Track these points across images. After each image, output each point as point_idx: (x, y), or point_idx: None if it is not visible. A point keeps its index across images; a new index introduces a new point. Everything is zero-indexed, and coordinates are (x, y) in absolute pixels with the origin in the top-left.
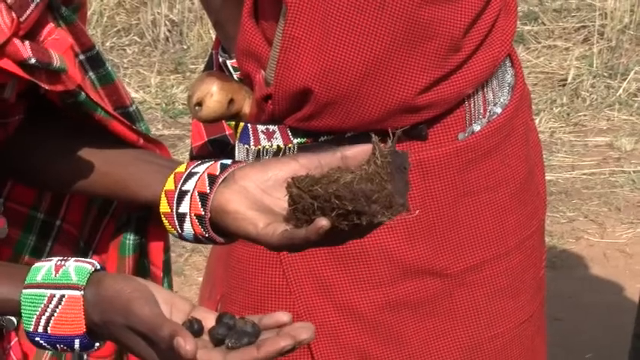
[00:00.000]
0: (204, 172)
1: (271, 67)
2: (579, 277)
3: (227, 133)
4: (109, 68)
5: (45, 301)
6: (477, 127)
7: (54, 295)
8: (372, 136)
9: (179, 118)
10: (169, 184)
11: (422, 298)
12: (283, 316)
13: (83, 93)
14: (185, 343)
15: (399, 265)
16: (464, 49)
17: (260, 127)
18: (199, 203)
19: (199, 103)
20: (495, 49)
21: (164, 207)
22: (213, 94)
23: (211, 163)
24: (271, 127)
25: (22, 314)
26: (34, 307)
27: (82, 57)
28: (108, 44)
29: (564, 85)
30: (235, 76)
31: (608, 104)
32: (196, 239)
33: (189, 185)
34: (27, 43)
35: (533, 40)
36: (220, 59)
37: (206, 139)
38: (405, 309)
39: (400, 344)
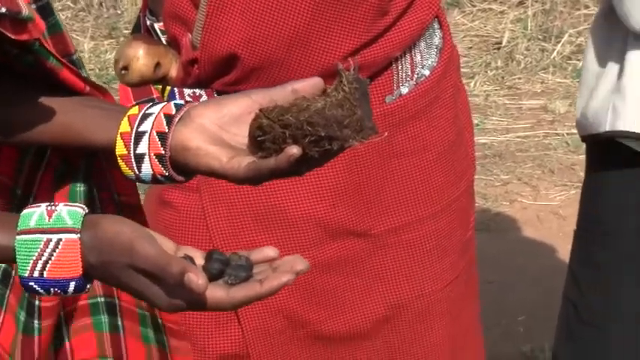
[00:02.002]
0: (159, 112)
1: (197, 31)
2: (513, 240)
3: (154, 96)
4: (57, 17)
5: (41, 246)
6: (404, 90)
7: (50, 240)
8: (338, 65)
9: (113, 84)
10: (124, 127)
11: (347, 258)
12: (271, 251)
13: (37, 42)
14: (197, 278)
15: (324, 227)
16: (390, 13)
17: (187, 91)
18: (159, 142)
19: (126, 67)
20: (423, 11)
21: (120, 149)
22: (140, 58)
23: (165, 104)
24: (198, 91)
25: (18, 260)
26: (29, 252)
27: (33, 6)
28: None
29: (499, 49)
30: (163, 40)
31: (542, 67)
32: (154, 179)
33: (146, 126)
34: None
35: (468, 4)
36: (148, 22)
37: (133, 103)
38: (330, 269)
39: (325, 303)
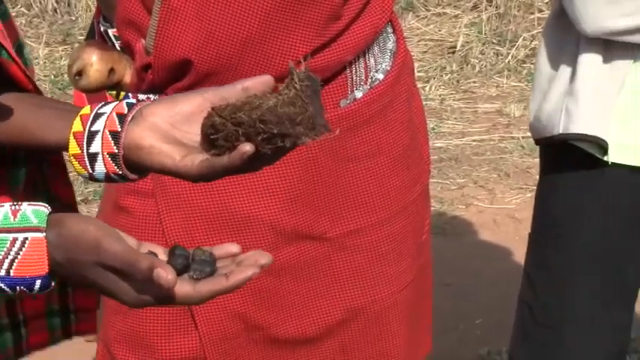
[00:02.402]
0: (112, 112)
1: (151, 37)
2: (469, 243)
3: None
4: (5, 5)
5: (7, 245)
6: (358, 94)
7: (16, 239)
8: (289, 63)
9: (68, 90)
10: (77, 126)
11: (302, 262)
12: (233, 248)
13: None
14: (167, 274)
15: (279, 231)
16: (344, 17)
17: (141, 97)
18: (112, 141)
19: (80, 73)
20: (376, 16)
21: (73, 149)
22: (94, 64)
23: (116, 103)
24: (152, 97)
25: None
26: None
27: None
28: None
29: (454, 53)
30: (117, 46)
31: (497, 71)
32: (108, 178)
33: (99, 125)
34: None
35: (422, 8)
36: (102, 28)
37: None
38: (285, 273)
39: (280, 307)
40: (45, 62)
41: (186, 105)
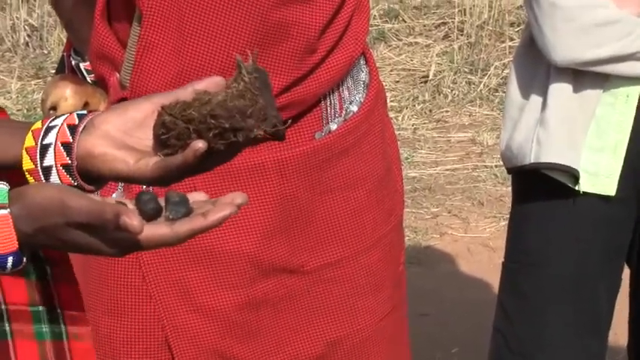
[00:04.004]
0: (62, 124)
1: (126, 71)
2: (444, 273)
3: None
4: None
5: None
6: (333, 126)
7: None
8: (235, 56)
9: None
10: (29, 142)
11: (280, 295)
12: (202, 196)
13: None
14: (131, 219)
15: (256, 264)
16: (319, 50)
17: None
18: (64, 153)
19: (54, 107)
20: (350, 48)
21: (27, 164)
22: (68, 98)
23: (67, 115)
24: None
25: None
26: None
27: None
28: None
29: (426, 82)
30: (89, 79)
31: (469, 100)
32: None
33: (50, 138)
34: None
35: (394, 38)
36: (73, 62)
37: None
38: (263, 307)
39: (259, 341)
40: (17, 96)
41: (138, 111)
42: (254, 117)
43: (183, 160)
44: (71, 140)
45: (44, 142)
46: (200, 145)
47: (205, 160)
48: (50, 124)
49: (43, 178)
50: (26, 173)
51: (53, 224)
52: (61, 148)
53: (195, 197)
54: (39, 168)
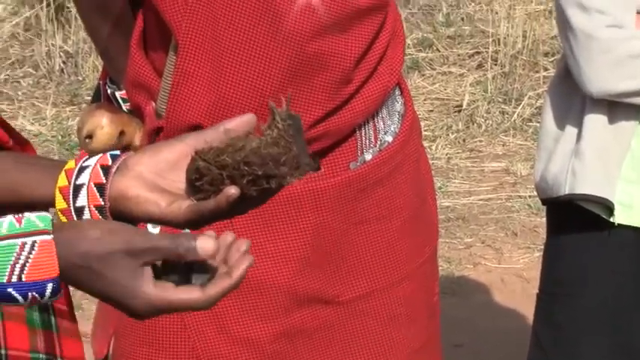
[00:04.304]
0: (96, 165)
1: (162, 100)
2: (478, 303)
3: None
4: None
5: (17, 250)
6: (368, 156)
7: (25, 243)
8: (269, 103)
9: (75, 151)
10: (62, 181)
11: (315, 326)
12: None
13: None
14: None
15: (292, 295)
16: (355, 81)
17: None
18: (97, 194)
19: (90, 136)
20: (385, 78)
21: (60, 203)
22: (104, 127)
23: (100, 155)
24: None
25: None
26: (6, 257)
27: None
28: (2, 77)
29: (460, 111)
30: (124, 108)
31: (503, 129)
32: None
33: (84, 179)
34: None
35: (428, 67)
36: (109, 90)
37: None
38: (299, 337)
39: None
40: (52, 123)
41: (170, 153)
42: (287, 165)
43: (215, 205)
44: (104, 181)
45: (77, 183)
46: (233, 191)
47: (238, 205)
48: (83, 164)
49: (75, 218)
50: (59, 213)
51: (108, 250)
52: (94, 188)
53: (206, 250)
54: (72, 208)
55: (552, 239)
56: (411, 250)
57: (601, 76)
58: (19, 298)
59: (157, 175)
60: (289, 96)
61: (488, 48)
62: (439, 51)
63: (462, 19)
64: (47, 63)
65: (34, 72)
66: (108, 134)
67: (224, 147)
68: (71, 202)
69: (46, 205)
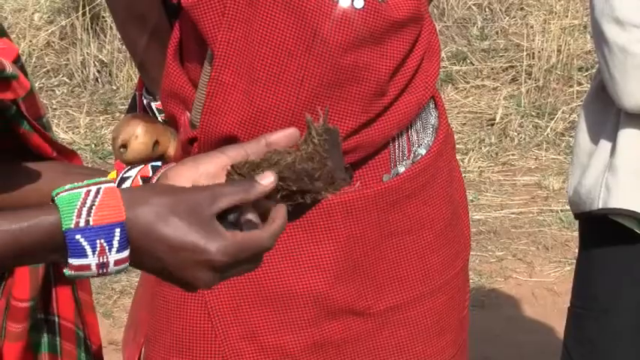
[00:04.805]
0: (136, 176)
1: (197, 110)
2: (508, 316)
3: (150, 175)
4: (30, 79)
5: (82, 196)
6: (401, 169)
7: (90, 190)
8: (306, 116)
9: (109, 159)
10: None
11: (346, 337)
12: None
13: (14, 106)
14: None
15: (323, 306)
16: (389, 93)
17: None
18: None
19: (124, 145)
20: (419, 92)
21: None
22: (138, 137)
23: (141, 167)
24: None
25: (61, 213)
26: (71, 203)
27: None
28: (37, 85)
29: (493, 125)
30: (160, 118)
31: (536, 143)
32: None
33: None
34: None
35: (461, 80)
36: (145, 101)
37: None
38: (330, 348)
39: None
40: (86, 131)
41: (210, 164)
42: (322, 180)
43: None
44: None
45: None
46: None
47: None
48: (125, 175)
49: None
50: None
51: (191, 194)
52: None
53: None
54: None
55: (585, 253)
56: (443, 263)
57: (635, 91)
58: (88, 248)
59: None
60: (327, 109)
61: (522, 62)
62: (473, 64)
63: (497, 32)
64: (82, 72)
65: (69, 81)
66: (142, 144)
67: (259, 161)
68: None
69: None
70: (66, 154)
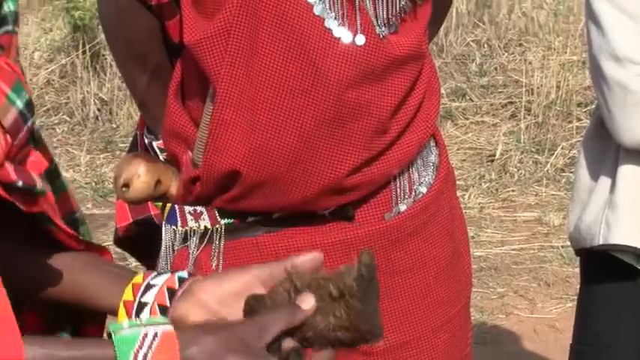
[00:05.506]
0: (163, 285)
1: (199, 149)
2: (509, 353)
3: (152, 213)
4: (62, 178)
5: (140, 338)
6: (402, 207)
7: (148, 333)
8: (342, 270)
9: (109, 197)
10: (128, 295)
11: None
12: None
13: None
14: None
15: None
16: (391, 131)
17: (187, 208)
18: (159, 315)
19: (126, 185)
20: (421, 130)
21: (122, 316)
22: (140, 176)
23: (169, 275)
24: (199, 208)
25: (117, 354)
26: (129, 344)
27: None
28: (37, 123)
29: (493, 161)
30: (162, 157)
31: (536, 179)
32: None
33: (149, 297)
34: (12, 165)
35: (461, 116)
36: (146, 140)
37: (131, 220)
38: None
39: None
40: (86, 169)
41: (235, 282)
42: (352, 342)
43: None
44: (168, 304)
45: (142, 300)
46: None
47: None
48: (151, 282)
49: None
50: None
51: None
52: (157, 309)
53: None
54: None
55: (586, 289)
56: (444, 301)
57: (634, 127)
58: None
59: (220, 304)
60: (368, 261)
61: (521, 98)
62: (472, 100)
63: (496, 68)
64: (82, 110)
65: (69, 119)
66: (144, 183)
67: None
68: (133, 318)
69: (109, 312)
70: (96, 249)
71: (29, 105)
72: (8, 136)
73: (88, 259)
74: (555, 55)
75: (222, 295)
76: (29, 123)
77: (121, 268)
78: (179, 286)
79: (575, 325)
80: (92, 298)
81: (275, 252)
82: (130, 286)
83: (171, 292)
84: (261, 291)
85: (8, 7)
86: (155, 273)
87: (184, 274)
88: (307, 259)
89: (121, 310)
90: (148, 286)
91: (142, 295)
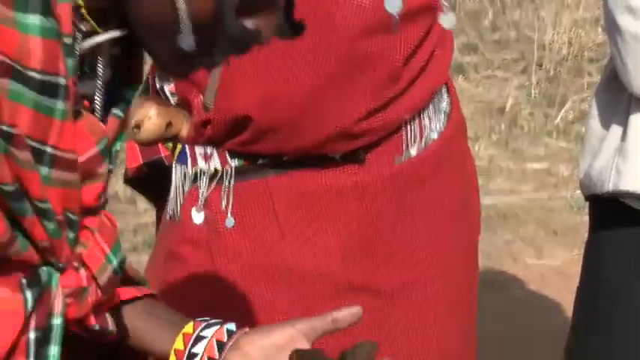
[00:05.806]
0: (212, 338)
1: (210, 93)
2: (516, 298)
3: (162, 155)
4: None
5: None
6: (413, 152)
7: None
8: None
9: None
10: (178, 344)
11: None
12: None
13: None
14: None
15: (335, 284)
16: (403, 79)
17: (198, 150)
18: None
19: (137, 126)
20: (433, 77)
21: None
22: (152, 117)
23: (218, 328)
24: (209, 150)
25: None
26: None
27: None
28: None
29: (503, 114)
30: (172, 101)
31: (546, 132)
32: None
33: (199, 349)
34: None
35: (472, 71)
36: (157, 84)
37: (141, 162)
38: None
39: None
40: None
41: (280, 336)
42: None
43: None
44: (217, 357)
45: (192, 351)
46: None
47: None
48: (201, 333)
49: None
50: None
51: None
52: None
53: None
54: None
55: (595, 235)
56: (454, 245)
57: None
58: None
59: (265, 357)
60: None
61: (533, 53)
62: (484, 55)
63: (508, 25)
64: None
65: None
66: (155, 125)
67: None
68: None
69: (160, 358)
70: (146, 293)
71: (122, 263)
72: (99, 292)
73: (146, 306)
74: (568, 11)
75: (267, 348)
76: (118, 277)
77: (172, 314)
78: (227, 338)
79: (583, 271)
80: (147, 342)
81: (285, 193)
82: (181, 335)
83: (221, 345)
84: (304, 344)
85: (115, 147)
86: (204, 324)
87: (232, 326)
88: (348, 313)
89: (172, 358)
90: (198, 338)
91: (192, 346)
